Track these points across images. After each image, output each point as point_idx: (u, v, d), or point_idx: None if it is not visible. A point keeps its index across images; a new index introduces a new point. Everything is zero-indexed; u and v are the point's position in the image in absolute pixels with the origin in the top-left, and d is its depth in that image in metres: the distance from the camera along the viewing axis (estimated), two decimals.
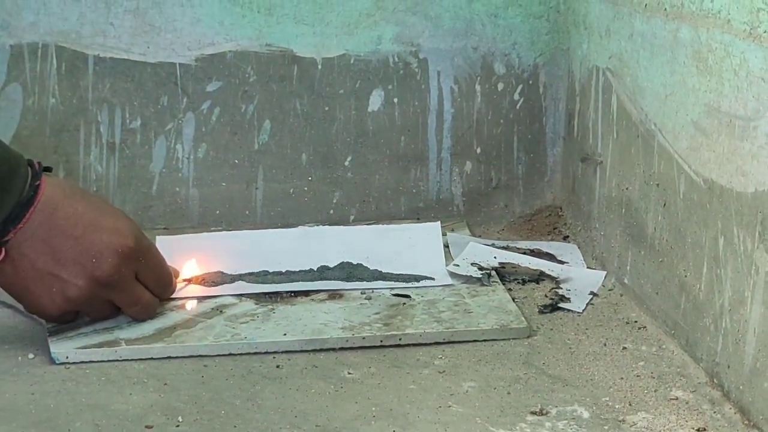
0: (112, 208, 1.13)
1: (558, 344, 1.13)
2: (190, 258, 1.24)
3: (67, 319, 1.12)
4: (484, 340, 1.13)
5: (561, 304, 1.21)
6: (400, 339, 1.12)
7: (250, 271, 1.25)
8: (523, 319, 1.16)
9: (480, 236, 1.41)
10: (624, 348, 1.12)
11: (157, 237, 1.26)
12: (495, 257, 1.31)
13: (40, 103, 1.38)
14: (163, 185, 1.42)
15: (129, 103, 1.40)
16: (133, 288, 1.12)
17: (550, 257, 1.34)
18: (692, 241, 1.06)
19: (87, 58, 1.37)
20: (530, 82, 1.44)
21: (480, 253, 1.31)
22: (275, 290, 1.22)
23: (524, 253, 1.33)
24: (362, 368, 1.08)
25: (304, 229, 1.36)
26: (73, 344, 1.09)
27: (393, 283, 1.24)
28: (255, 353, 1.10)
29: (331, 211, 1.45)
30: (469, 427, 0.97)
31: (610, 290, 1.26)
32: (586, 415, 0.99)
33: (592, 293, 1.24)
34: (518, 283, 1.28)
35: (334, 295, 1.22)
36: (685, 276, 1.08)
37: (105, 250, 1.08)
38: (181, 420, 0.97)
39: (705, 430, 0.96)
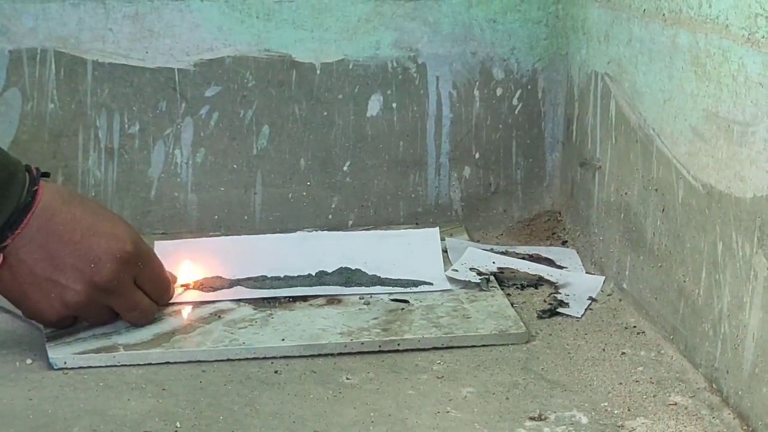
0: (110, 213, 1.13)
1: (557, 349, 1.13)
2: (188, 263, 1.24)
3: (66, 325, 1.12)
4: (483, 346, 1.13)
5: (560, 309, 1.21)
6: (398, 344, 1.12)
7: (249, 276, 1.24)
8: (522, 324, 1.16)
9: (479, 241, 1.41)
10: (623, 353, 1.12)
11: (156, 242, 1.27)
12: (494, 262, 1.30)
13: (39, 108, 1.38)
14: (161, 190, 1.42)
15: (128, 108, 1.39)
16: (132, 293, 1.12)
17: (549, 262, 1.33)
18: (691, 246, 1.06)
19: (86, 63, 1.37)
20: (529, 87, 1.44)
21: (479, 258, 1.31)
22: (273, 295, 1.22)
23: (523, 258, 1.33)
24: (360, 373, 1.07)
25: (302, 234, 1.36)
26: (72, 349, 1.09)
27: (391, 288, 1.24)
28: (253, 358, 1.10)
29: (330, 216, 1.45)
30: None
31: (608, 295, 1.25)
32: (584, 420, 0.99)
33: (590, 298, 1.24)
34: (517, 288, 1.27)
35: (333, 300, 1.22)
36: (684, 281, 1.08)
37: (103, 255, 1.08)
38: (179, 425, 0.97)
39: None
